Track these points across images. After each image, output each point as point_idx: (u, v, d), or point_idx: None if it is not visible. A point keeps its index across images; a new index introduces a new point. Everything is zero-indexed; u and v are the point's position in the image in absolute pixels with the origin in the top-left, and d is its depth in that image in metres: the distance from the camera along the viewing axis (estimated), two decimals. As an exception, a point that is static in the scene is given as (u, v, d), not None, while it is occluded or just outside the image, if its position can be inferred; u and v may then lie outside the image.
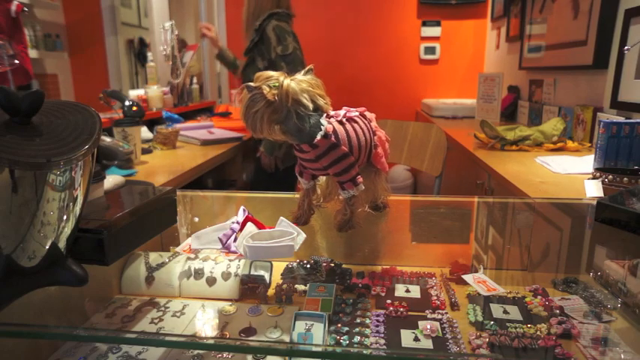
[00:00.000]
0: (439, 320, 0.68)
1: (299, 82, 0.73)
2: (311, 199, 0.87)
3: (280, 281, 0.79)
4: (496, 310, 0.70)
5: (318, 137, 0.75)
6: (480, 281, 0.78)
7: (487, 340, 0.62)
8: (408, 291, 0.77)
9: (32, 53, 2.82)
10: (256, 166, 2.26)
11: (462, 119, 3.07)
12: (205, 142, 2.16)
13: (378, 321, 0.68)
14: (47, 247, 0.55)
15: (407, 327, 0.66)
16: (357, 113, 0.84)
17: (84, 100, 1.45)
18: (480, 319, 0.68)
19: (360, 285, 0.77)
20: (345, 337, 0.64)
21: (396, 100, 3.85)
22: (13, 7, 2.20)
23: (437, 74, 3.84)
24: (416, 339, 0.64)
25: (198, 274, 0.79)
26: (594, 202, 0.86)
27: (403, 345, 0.63)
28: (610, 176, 1.12)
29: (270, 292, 0.78)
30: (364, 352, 0.53)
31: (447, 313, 0.70)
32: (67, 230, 0.56)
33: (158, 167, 1.68)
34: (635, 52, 1.62)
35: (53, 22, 3.24)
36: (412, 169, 3.66)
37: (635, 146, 1.31)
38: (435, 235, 0.99)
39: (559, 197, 1.18)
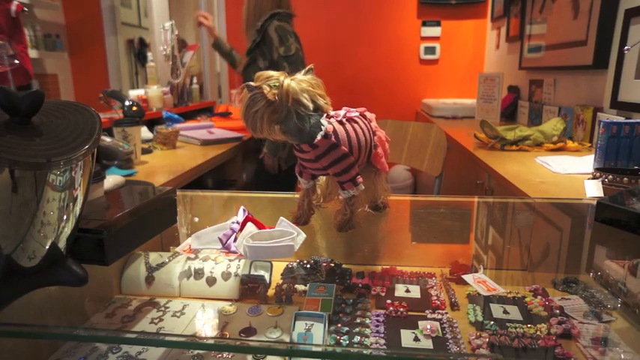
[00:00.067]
0: (439, 320, 0.68)
1: (299, 82, 0.73)
2: (311, 199, 0.87)
3: (280, 281, 0.79)
4: (496, 310, 0.70)
5: (318, 137, 0.75)
6: (480, 281, 0.78)
7: (487, 340, 0.62)
8: (408, 291, 0.77)
9: (32, 53, 2.82)
10: (258, 167, 2.25)
11: (462, 119, 3.07)
12: (205, 142, 2.16)
13: (378, 321, 0.68)
14: (47, 247, 0.55)
15: (407, 327, 0.66)
16: (357, 113, 0.84)
17: (84, 100, 1.45)
18: (480, 319, 0.68)
19: (360, 285, 0.77)
20: (345, 337, 0.64)
21: (396, 100, 3.85)
22: (13, 7, 2.20)
23: (437, 74, 3.84)
24: (416, 339, 0.64)
25: (198, 274, 0.79)
26: (594, 202, 0.86)
27: (403, 345, 0.63)
28: (610, 176, 1.12)
29: (270, 292, 0.78)
30: (364, 352, 0.53)
31: (447, 313, 0.70)
32: (67, 230, 0.56)
33: (158, 167, 1.68)
34: (635, 52, 1.62)
35: (53, 22, 3.24)
36: (412, 169, 3.66)
37: (635, 146, 1.31)
38: (435, 235, 0.99)
39: (559, 197, 1.18)
